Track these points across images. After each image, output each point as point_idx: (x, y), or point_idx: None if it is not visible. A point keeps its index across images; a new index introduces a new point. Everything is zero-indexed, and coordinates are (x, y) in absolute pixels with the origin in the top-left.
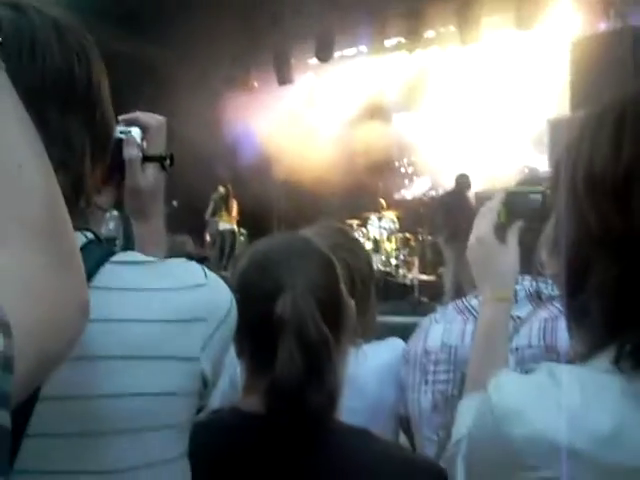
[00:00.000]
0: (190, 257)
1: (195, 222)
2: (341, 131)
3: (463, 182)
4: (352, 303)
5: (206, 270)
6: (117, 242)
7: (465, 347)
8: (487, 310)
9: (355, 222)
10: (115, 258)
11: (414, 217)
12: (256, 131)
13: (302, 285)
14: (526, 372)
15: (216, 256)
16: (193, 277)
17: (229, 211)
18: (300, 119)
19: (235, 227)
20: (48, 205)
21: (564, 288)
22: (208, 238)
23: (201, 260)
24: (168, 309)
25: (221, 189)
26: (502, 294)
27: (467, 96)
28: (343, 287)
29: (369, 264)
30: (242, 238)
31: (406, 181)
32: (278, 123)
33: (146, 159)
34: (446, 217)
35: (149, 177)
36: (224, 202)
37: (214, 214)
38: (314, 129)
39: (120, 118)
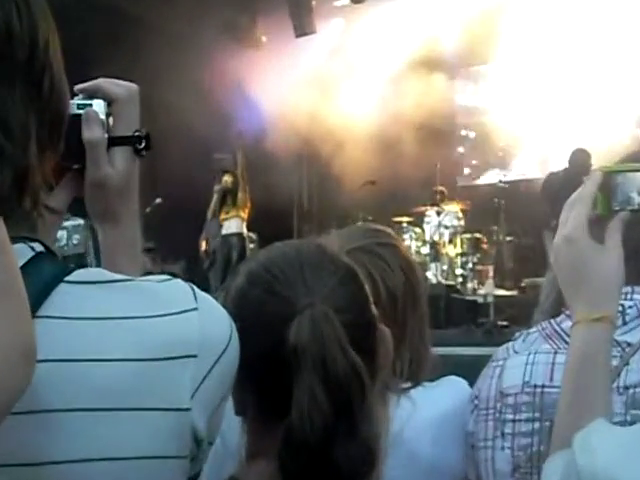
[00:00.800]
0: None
1: (188, 225)
2: (382, 95)
3: (581, 160)
4: (387, 330)
5: (196, 290)
6: (87, 260)
7: (555, 386)
8: (580, 335)
9: (405, 219)
10: (73, 277)
11: (487, 211)
12: (267, 99)
13: (321, 304)
14: (631, 422)
15: (219, 271)
16: (179, 300)
17: (239, 208)
18: (326, 81)
19: (244, 230)
20: None
21: None
22: (204, 246)
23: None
24: (146, 344)
25: (227, 178)
26: (600, 312)
27: (554, 45)
28: (374, 308)
29: (408, 275)
30: (252, 245)
31: (475, 161)
32: (296, 88)
33: (114, 141)
34: (555, 206)
35: (118, 166)
36: (232, 196)
37: (217, 213)
38: (345, 94)
39: (77, 88)
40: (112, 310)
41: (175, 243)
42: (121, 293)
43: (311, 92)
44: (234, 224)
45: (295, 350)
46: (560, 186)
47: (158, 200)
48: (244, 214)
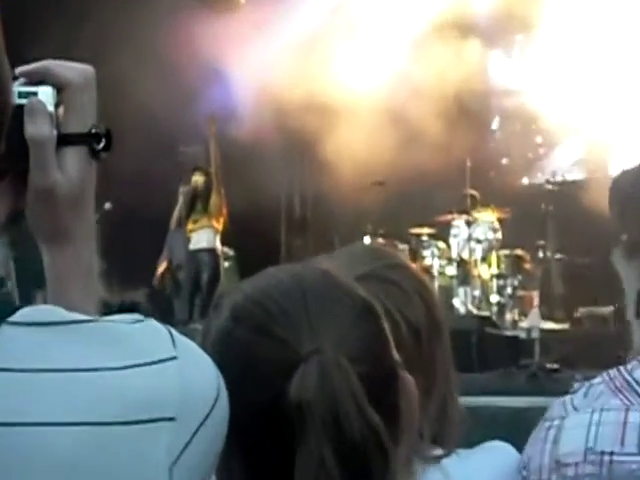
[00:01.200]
0: (109, 309)
1: (144, 238)
2: (396, 68)
3: None
4: (411, 380)
5: (174, 334)
6: (7, 286)
7: (627, 453)
8: None
9: (425, 231)
10: (18, 317)
11: (531, 220)
12: (246, 75)
13: (332, 349)
14: None
15: (186, 297)
16: (153, 347)
17: (211, 216)
18: (323, 51)
19: (218, 245)
20: None
21: None
22: (162, 267)
23: (130, 310)
24: (111, 403)
25: (197, 177)
26: None
27: (614, 10)
28: (396, 354)
29: (428, 302)
30: (227, 264)
31: (515, 156)
32: (284, 60)
33: (65, 140)
34: (626, 214)
35: (70, 171)
36: (203, 200)
37: (183, 222)
38: (348, 66)
39: (18, 71)
40: (69, 360)
41: (129, 262)
42: (82, 338)
43: (304, 65)
44: (205, 237)
45: (299, 407)
46: (632, 187)
47: (107, 205)
48: (218, 224)
